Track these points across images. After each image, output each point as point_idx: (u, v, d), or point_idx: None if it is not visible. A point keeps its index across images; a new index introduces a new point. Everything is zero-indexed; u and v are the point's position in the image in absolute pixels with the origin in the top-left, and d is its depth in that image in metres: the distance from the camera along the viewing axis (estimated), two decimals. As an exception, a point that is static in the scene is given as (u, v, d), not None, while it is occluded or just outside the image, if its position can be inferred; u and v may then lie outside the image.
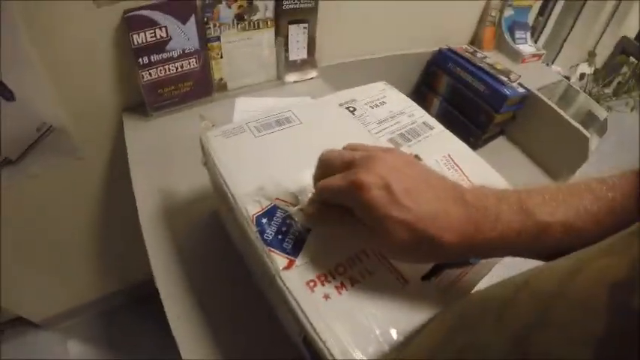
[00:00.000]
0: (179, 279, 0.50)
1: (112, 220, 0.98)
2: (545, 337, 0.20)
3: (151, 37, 0.65)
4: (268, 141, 0.45)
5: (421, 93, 1.24)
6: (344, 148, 0.37)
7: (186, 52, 0.69)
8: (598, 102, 1.61)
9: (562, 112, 1.05)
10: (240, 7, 0.69)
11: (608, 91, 1.88)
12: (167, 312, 0.46)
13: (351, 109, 0.53)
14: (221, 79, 0.76)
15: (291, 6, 0.74)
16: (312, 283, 0.33)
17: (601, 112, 1.19)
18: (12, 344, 1.13)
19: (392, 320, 0.32)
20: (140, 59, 0.65)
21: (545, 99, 1.08)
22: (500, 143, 1.19)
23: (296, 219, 0.37)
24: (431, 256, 0.32)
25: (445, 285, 0.37)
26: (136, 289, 1.24)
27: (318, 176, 0.35)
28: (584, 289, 0.20)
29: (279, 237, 0.36)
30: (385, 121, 0.52)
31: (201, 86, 0.74)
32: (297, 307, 0.32)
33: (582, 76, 1.81)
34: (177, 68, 0.69)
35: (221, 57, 0.73)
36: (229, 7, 0.68)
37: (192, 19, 0.66)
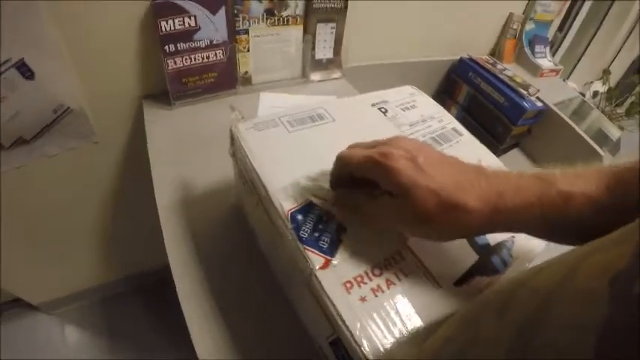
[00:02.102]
0: (195, 270, 0.49)
1: (121, 209, 0.97)
2: (547, 328, 0.20)
3: (180, 24, 0.64)
4: (302, 136, 0.45)
5: (440, 100, 1.23)
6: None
7: (213, 42, 0.68)
8: (611, 120, 1.60)
9: (578, 129, 1.05)
10: (271, 1, 0.68)
11: (621, 110, 1.88)
12: (182, 303, 0.45)
13: (383, 109, 0.53)
14: (246, 73, 0.75)
15: (321, 5, 0.73)
16: (348, 284, 0.33)
17: (614, 131, 1.18)
18: (10, 326, 1.12)
19: (426, 323, 0.32)
20: (167, 47, 0.65)
21: (562, 114, 1.08)
22: (515, 155, 1.19)
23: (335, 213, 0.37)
24: (456, 226, 0.32)
25: (474, 291, 0.36)
26: (138, 278, 1.23)
27: (335, 172, 0.37)
28: (585, 281, 0.20)
29: (316, 235, 0.35)
30: (417, 124, 0.52)
31: (225, 78, 0.73)
32: (332, 308, 0.31)
33: (595, 94, 1.80)
34: (203, 58, 0.69)
35: (248, 50, 0.72)
36: (260, 1, 0.67)
37: (223, 10, 0.66)
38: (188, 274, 0.48)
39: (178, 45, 0.65)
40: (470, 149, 0.51)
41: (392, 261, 0.35)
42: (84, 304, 1.20)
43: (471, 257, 0.37)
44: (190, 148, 0.66)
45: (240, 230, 0.53)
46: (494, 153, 1.13)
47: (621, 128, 1.83)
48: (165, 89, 0.70)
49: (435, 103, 0.58)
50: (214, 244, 0.52)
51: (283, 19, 0.72)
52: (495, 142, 1.09)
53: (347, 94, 0.82)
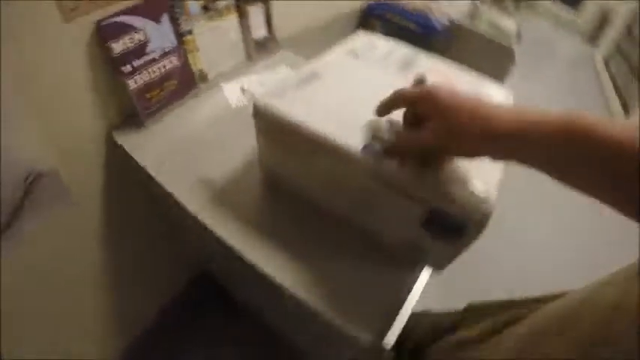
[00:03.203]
0: (263, 244, 0.54)
1: (119, 265, 0.93)
2: (608, 350, 0.21)
3: (130, 42, 0.64)
4: (315, 91, 0.52)
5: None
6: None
7: (166, 50, 0.69)
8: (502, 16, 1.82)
9: (484, 32, 1.20)
10: None
11: (507, 5, 2.12)
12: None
13: (355, 55, 0.59)
14: (201, 71, 0.77)
15: None
16: None
17: (509, 24, 1.37)
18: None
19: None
20: (123, 67, 0.65)
21: (467, 24, 1.23)
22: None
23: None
24: (486, 138, 0.37)
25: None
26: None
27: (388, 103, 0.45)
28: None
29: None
30: (386, 57, 0.60)
31: (185, 82, 0.75)
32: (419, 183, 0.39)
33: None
34: (160, 69, 0.70)
35: (197, 49, 0.74)
36: None
37: (165, 16, 0.67)
38: (259, 247, 0.53)
39: (134, 62, 0.66)
40: (434, 64, 0.60)
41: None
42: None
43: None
44: (188, 153, 0.68)
45: (280, 193, 0.59)
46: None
47: (511, 17, 2.07)
48: (130, 113, 0.70)
49: (386, 37, 0.66)
50: (266, 217, 0.58)
51: (218, 10, 0.75)
52: None
53: (294, 62, 0.88)
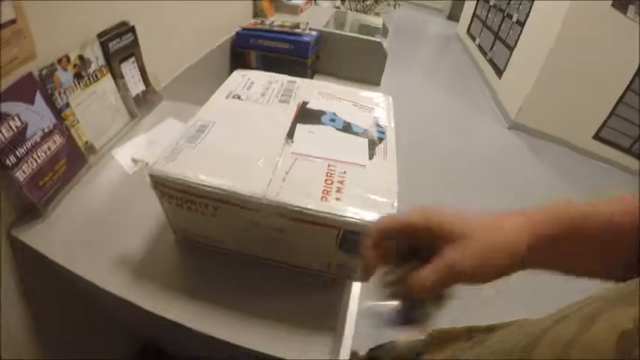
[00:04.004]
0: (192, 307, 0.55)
1: None
2: None
3: (7, 131, 0.62)
4: (207, 145, 0.54)
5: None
6: None
7: (46, 131, 0.67)
8: (366, 13, 1.98)
9: (352, 34, 1.31)
10: (75, 66, 0.70)
11: (370, 2, 2.30)
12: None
13: (237, 96, 0.64)
14: (86, 143, 0.75)
15: (116, 46, 0.76)
16: (322, 197, 0.47)
17: (375, 20, 1.50)
18: None
19: (377, 187, 0.52)
20: (7, 161, 0.62)
21: (335, 30, 1.33)
22: (319, 79, 1.41)
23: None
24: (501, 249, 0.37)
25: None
26: None
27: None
28: (597, 336, 0.22)
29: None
30: (265, 93, 0.65)
31: (74, 159, 0.71)
32: (325, 214, 0.45)
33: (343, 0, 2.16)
34: (46, 152, 0.67)
35: (78, 122, 0.73)
36: (65, 69, 0.68)
37: (38, 95, 0.65)
38: (190, 311, 0.54)
39: (17, 152, 0.63)
40: (309, 88, 0.67)
41: (330, 172, 0.50)
42: None
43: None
44: (96, 233, 0.65)
45: (196, 250, 0.61)
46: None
47: (378, 14, 2.25)
48: (23, 207, 0.65)
49: (263, 72, 0.71)
50: (187, 275, 0.59)
51: (90, 76, 0.74)
52: None
53: (178, 110, 0.88)
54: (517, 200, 2.59)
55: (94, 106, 0.76)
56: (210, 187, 0.47)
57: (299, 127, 0.58)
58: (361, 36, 1.34)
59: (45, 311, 0.77)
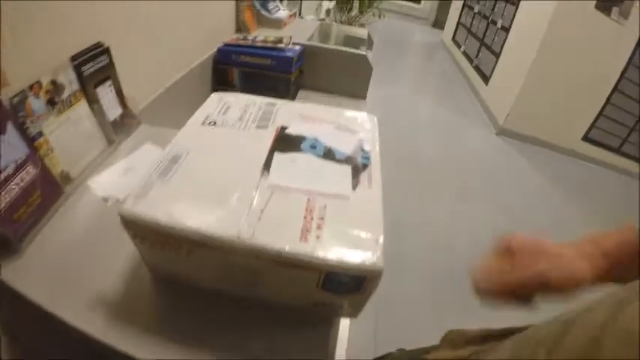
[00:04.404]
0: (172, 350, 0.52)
1: None
2: None
3: (-24, 166, 0.60)
4: (180, 178, 0.51)
5: (221, 91, 1.37)
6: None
7: (19, 162, 0.65)
8: (351, 24, 1.98)
9: (335, 47, 1.30)
10: (47, 92, 0.67)
11: (353, 13, 2.30)
12: None
13: (212, 123, 0.62)
14: (62, 172, 0.72)
15: (90, 70, 0.74)
16: (302, 238, 0.44)
17: (360, 31, 1.49)
18: None
19: (363, 222, 0.54)
20: (-23, 196, 0.60)
21: (318, 44, 1.31)
22: (305, 96, 1.41)
23: None
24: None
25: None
26: None
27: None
28: (629, 322, 0.22)
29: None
30: (242, 118, 0.63)
31: (49, 190, 0.68)
32: (306, 257, 0.42)
33: (328, 12, 2.16)
34: (18, 184, 0.65)
35: (52, 151, 0.71)
36: (37, 96, 0.66)
37: (10, 125, 0.63)
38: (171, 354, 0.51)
39: (-12, 186, 0.61)
40: (288, 111, 0.65)
41: (309, 207, 0.47)
42: None
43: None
44: (75, 269, 0.61)
45: (175, 287, 0.58)
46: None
47: (363, 26, 2.26)
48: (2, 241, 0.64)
49: (241, 94, 0.70)
50: (167, 316, 0.56)
51: (64, 101, 0.72)
52: (284, 97, 1.29)
53: (156, 135, 0.85)
54: (509, 206, 2.59)
55: (68, 133, 0.73)
56: (181, 229, 0.44)
57: (277, 156, 0.55)
58: (345, 49, 1.33)
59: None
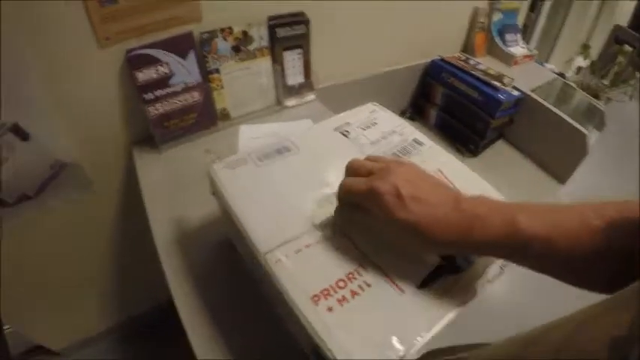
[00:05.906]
0: (196, 298, 0.54)
1: (121, 252, 1.02)
2: None
3: (154, 73, 0.69)
4: (271, 170, 0.49)
5: (418, 105, 1.27)
6: (366, 159, 0.44)
7: (188, 85, 0.73)
8: (597, 94, 1.63)
9: (557, 111, 1.07)
10: (236, 39, 0.73)
11: (607, 82, 1.89)
12: (186, 329, 0.50)
13: (345, 132, 0.56)
14: (224, 109, 0.80)
15: (284, 34, 0.78)
16: (315, 298, 0.37)
17: (597, 106, 1.21)
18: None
19: (391, 327, 0.36)
20: (145, 95, 0.70)
21: (540, 99, 1.10)
22: (500, 146, 1.22)
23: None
24: (430, 249, 0.39)
25: (441, 291, 0.40)
26: (143, 317, 1.26)
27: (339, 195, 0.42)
28: (588, 343, 0.22)
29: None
30: (377, 142, 0.55)
31: (205, 117, 0.78)
32: (304, 320, 0.36)
33: (579, 69, 1.83)
34: (181, 101, 0.73)
35: (222, 87, 0.77)
36: (225, 39, 0.72)
37: (192, 53, 0.71)
38: (189, 304, 0.53)
39: (156, 92, 0.70)
40: (430, 159, 0.54)
41: (355, 274, 0.39)
42: (100, 348, 1.24)
43: (432, 259, 0.41)
44: (181, 188, 0.70)
45: (231, 257, 0.57)
46: (476, 148, 1.16)
47: (609, 100, 1.85)
48: (151, 134, 0.75)
49: (396, 116, 0.61)
50: (210, 271, 0.57)
51: (249, 52, 0.77)
52: (477, 138, 1.12)
53: (322, 115, 0.85)
54: None
55: (243, 81, 0.79)
56: (235, 210, 0.45)
57: None
58: (566, 117, 1.09)
59: (126, 211, 0.92)
